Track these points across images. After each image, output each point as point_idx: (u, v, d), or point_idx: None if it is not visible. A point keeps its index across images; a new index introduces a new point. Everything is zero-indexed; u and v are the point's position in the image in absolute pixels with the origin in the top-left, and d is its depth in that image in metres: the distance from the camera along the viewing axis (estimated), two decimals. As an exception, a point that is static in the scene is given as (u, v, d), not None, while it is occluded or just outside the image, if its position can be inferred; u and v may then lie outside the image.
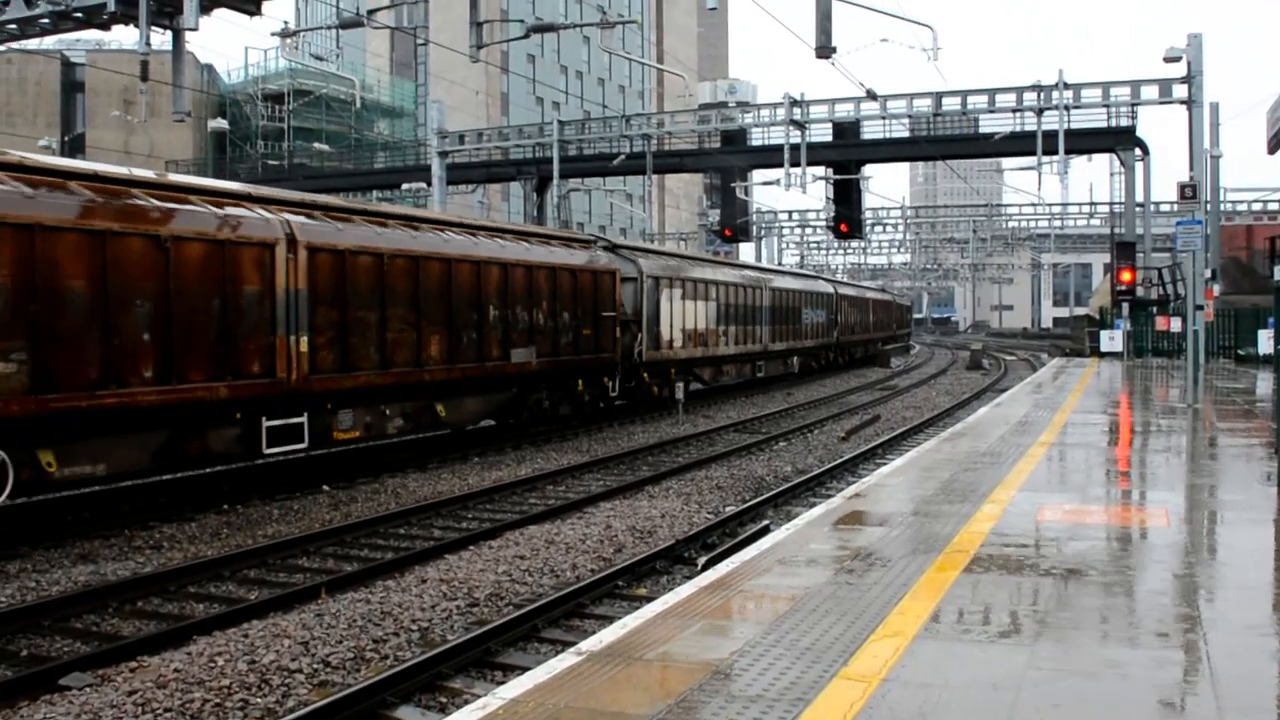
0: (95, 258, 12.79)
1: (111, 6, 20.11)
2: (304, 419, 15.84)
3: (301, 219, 16.11)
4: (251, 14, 20.53)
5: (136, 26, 20.14)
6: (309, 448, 16.25)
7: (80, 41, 64.21)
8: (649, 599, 9.36)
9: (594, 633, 7.22)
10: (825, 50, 19.76)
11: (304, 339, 15.65)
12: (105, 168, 14.64)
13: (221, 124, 58.25)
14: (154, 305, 13.47)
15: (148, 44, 20.43)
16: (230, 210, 14.95)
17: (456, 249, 19.44)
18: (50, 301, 12.31)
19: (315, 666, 8.27)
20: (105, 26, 21.97)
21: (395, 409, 18.05)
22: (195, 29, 19.48)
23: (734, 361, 35.09)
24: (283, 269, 15.31)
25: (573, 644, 6.90)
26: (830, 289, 49.00)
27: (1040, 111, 38.32)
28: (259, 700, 7.64)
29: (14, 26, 22.86)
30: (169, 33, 20.91)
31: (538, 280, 21.71)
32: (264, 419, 15.16)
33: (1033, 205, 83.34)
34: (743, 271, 37.85)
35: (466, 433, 22.30)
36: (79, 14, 21.32)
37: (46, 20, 22.08)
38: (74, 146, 61.88)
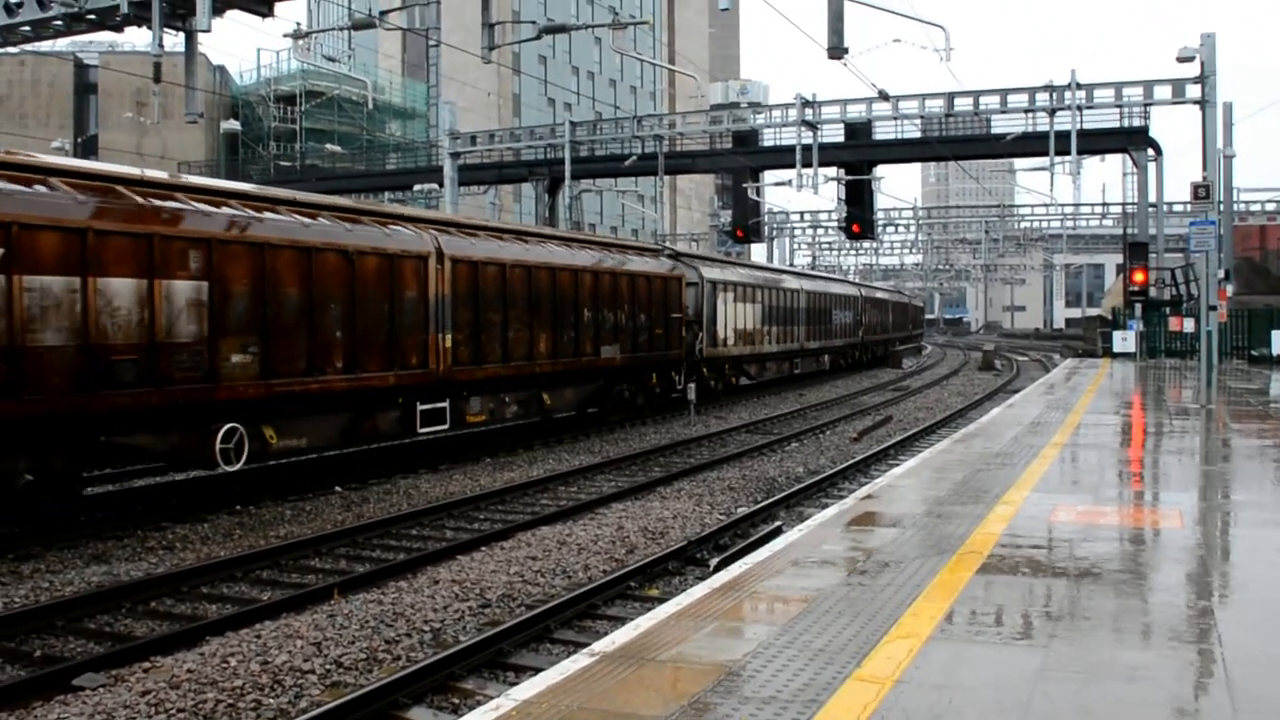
0: (304, 270, 15.64)
1: (124, 8, 20.10)
2: (446, 404, 18.85)
3: (445, 235, 19.06)
4: (264, 15, 20.53)
5: (149, 28, 20.16)
6: (449, 428, 19.04)
7: (93, 43, 64.40)
8: (661, 600, 9.37)
9: (606, 634, 7.21)
10: (837, 51, 19.72)
11: (448, 336, 18.66)
12: (304, 196, 17.59)
13: (234, 125, 58.41)
14: (343, 309, 16.33)
15: (160, 46, 20.43)
16: (393, 227, 17.86)
17: (559, 259, 22.47)
18: (274, 305, 15.13)
19: (328, 667, 8.29)
20: (118, 28, 21.97)
21: (512, 397, 21.10)
22: (208, 30, 19.49)
23: (776, 359, 38.58)
24: (433, 277, 18.27)
25: (585, 645, 6.88)
26: (856, 292, 52.82)
27: (1053, 112, 38.19)
28: (271, 701, 7.65)
29: (28, 28, 22.89)
30: (182, 34, 20.92)
31: (621, 286, 24.83)
32: (418, 404, 18.14)
33: (1045, 206, 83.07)
34: (783, 276, 41.38)
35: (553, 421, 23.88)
36: (92, 15, 21.32)
37: (60, 22, 22.10)
38: (87, 148, 62.07)
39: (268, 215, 15.33)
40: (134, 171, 14.41)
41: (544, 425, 23.44)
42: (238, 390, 14.52)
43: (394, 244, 17.41)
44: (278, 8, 20.57)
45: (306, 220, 15.96)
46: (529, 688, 5.74)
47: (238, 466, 14.64)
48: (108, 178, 13.54)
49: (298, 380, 15.48)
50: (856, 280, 68.36)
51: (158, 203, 13.67)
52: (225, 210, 14.69)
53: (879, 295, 60.20)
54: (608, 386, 25.00)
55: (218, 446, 14.32)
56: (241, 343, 14.57)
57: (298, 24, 25.36)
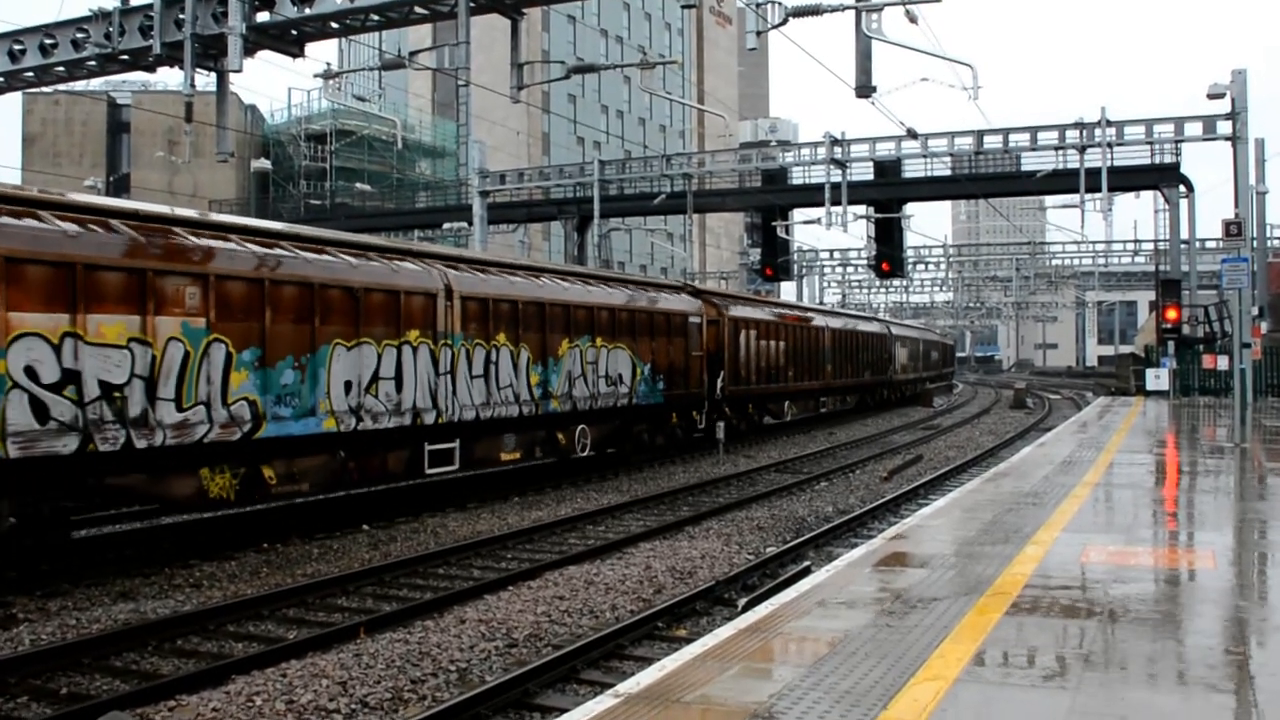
0: (801, 338, 35.51)
1: (157, 49, 20.33)
2: (828, 398, 40.74)
3: (823, 315, 40.50)
4: (295, 56, 20.67)
5: (181, 68, 20.39)
6: (823, 411, 41.44)
7: (126, 83, 65.26)
8: (688, 640, 9.30)
9: (632, 674, 7.18)
10: (865, 89, 19.68)
11: (828, 366, 38.66)
12: (791, 301, 43.06)
13: (264, 164, 58.93)
14: (802, 353, 35.51)
15: (192, 85, 20.63)
16: (813, 314, 39.21)
17: (850, 326, 43.40)
18: (793, 351, 34.55)
19: (353, 707, 8.27)
20: (151, 68, 22.23)
21: (838, 398, 43.54)
22: (239, 70, 19.65)
23: (911, 383, 57.67)
24: (826, 339, 38.25)
25: (611, 685, 6.86)
26: (939, 337, 74.46)
27: (1083, 149, 38.09)
28: (295, 740, 7.62)
29: (62, 68, 23.19)
30: (213, 74, 21.12)
31: (869, 341, 45.88)
32: (820, 398, 39.62)
33: (1076, 243, 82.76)
34: (909, 328, 62.70)
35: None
36: (125, 56, 21.58)
37: (94, 62, 22.37)
38: (119, 187, 62.86)
39: (785, 310, 35.85)
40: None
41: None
42: (790, 388, 34.51)
43: (819, 323, 38.03)
44: (308, 48, 20.73)
45: (804, 315, 37.07)
46: (552, 729, 5.70)
47: (787, 419, 36.20)
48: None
49: (794, 384, 34.89)
50: (936, 327, 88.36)
51: (792, 310, 36.87)
52: (794, 310, 36.59)
53: (943, 339, 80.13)
54: (863, 395, 47.32)
55: (785, 410, 35.07)
56: (789, 366, 33.77)
57: (328, 64, 25.57)
